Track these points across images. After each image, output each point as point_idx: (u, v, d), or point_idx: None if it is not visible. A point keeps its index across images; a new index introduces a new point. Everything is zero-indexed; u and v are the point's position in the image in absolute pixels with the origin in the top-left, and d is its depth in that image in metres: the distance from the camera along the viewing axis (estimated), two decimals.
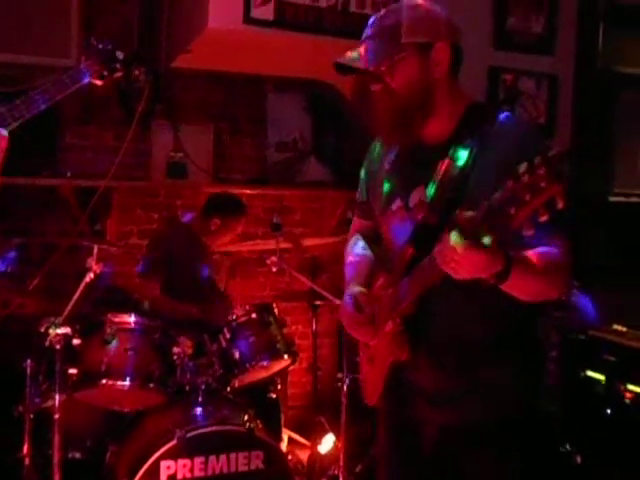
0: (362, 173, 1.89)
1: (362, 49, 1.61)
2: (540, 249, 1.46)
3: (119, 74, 1.82)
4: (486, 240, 1.27)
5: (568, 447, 3.22)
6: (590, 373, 3.27)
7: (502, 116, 1.63)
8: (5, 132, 1.56)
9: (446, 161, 1.57)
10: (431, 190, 1.58)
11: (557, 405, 3.42)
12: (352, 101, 4.17)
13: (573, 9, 4.00)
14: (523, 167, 1.17)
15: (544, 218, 1.17)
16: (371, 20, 1.64)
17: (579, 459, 3.20)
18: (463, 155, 1.55)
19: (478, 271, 1.35)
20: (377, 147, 1.83)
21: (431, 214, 1.57)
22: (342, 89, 4.15)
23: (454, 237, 1.29)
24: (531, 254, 1.45)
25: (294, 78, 4.26)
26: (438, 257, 1.37)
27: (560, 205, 1.15)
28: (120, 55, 1.96)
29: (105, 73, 1.70)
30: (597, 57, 4.03)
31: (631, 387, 3.01)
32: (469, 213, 1.29)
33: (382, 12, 1.64)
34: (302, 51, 3.52)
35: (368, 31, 1.62)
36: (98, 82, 1.71)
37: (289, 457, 2.78)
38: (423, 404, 1.68)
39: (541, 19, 3.94)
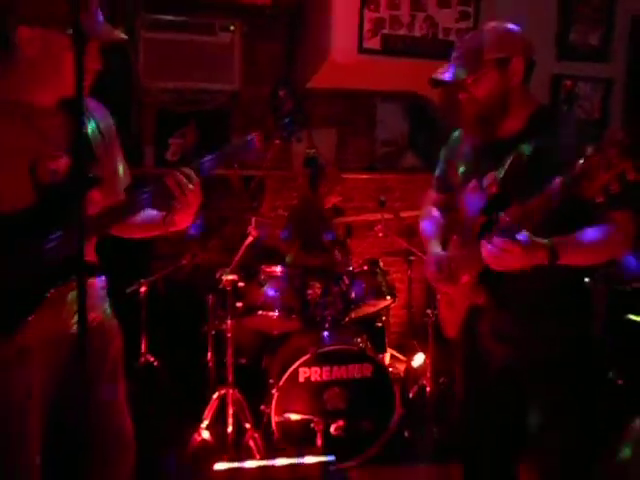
0: (442, 155, 1.80)
1: (452, 66, 1.52)
2: (592, 228, 1.38)
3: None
4: (521, 237, 1.24)
5: (612, 373, 3.06)
6: (631, 316, 3.07)
7: (561, 115, 1.55)
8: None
9: (515, 152, 1.49)
10: (501, 173, 1.51)
11: (604, 342, 3.24)
12: (441, 107, 4.05)
13: (626, 23, 3.63)
14: (590, 149, 1.11)
15: (615, 187, 1.11)
16: (458, 43, 1.56)
17: (620, 382, 3.05)
18: (529, 147, 1.47)
19: (522, 262, 1.30)
20: (455, 136, 1.75)
21: (500, 192, 1.50)
22: (432, 99, 4.04)
23: (493, 239, 1.29)
24: (580, 235, 1.37)
25: (396, 91, 4.17)
26: (487, 259, 1.35)
27: (631, 176, 1.09)
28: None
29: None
30: None
31: None
32: (506, 216, 1.27)
33: (467, 36, 1.57)
34: (402, 71, 3.44)
35: (456, 52, 1.54)
36: (277, 141, 1.49)
37: (390, 369, 2.78)
38: (491, 339, 1.60)
39: (598, 32, 3.61)
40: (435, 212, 1.87)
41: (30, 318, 1.34)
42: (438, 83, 1.55)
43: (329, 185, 3.48)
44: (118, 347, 1.60)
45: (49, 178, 1.37)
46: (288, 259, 3.28)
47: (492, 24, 1.53)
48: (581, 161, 1.13)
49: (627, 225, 1.39)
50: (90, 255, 1.54)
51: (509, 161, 1.50)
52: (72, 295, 1.41)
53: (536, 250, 1.31)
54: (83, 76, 1.07)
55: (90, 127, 1.48)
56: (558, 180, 1.21)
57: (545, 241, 1.33)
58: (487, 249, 1.34)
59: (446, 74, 1.52)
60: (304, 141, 4.07)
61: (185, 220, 1.47)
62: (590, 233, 1.39)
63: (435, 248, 1.75)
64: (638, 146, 1.11)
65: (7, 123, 1.34)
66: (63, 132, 1.41)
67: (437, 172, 1.84)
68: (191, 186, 1.39)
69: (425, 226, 1.86)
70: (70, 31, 1.10)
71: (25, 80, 1.36)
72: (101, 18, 1.35)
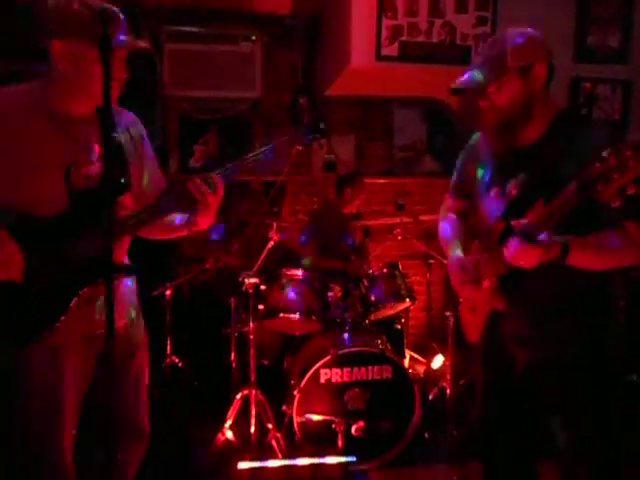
0: (460, 160, 1.76)
1: (473, 74, 1.47)
2: (605, 235, 1.34)
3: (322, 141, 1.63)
4: (542, 237, 1.26)
5: (635, 377, 2.97)
6: None
7: (581, 120, 1.51)
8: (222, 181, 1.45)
9: (537, 158, 1.46)
10: (524, 180, 1.48)
11: (624, 344, 3.15)
12: (459, 113, 4.01)
13: None
14: (607, 152, 1.07)
15: (632, 191, 1.07)
16: (480, 50, 1.52)
17: None
18: (551, 153, 1.43)
19: (540, 259, 1.32)
20: (473, 141, 1.70)
21: (520, 197, 1.47)
22: (450, 104, 4.01)
23: (514, 242, 1.31)
24: (592, 239, 1.34)
25: (413, 97, 4.16)
26: (508, 258, 1.37)
27: None
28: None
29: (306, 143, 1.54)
30: None
31: None
32: (525, 221, 1.28)
33: (488, 42, 1.50)
34: (420, 77, 3.41)
35: (478, 59, 1.48)
36: (299, 147, 1.55)
37: (410, 370, 2.76)
38: (512, 343, 1.58)
39: (617, 34, 3.54)
40: (453, 217, 1.84)
41: (62, 318, 1.37)
42: (459, 91, 1.50)
43: (354, 192, 3.50)
44: (144, 352, 1.66)
45: (82, 184, 1.42)
46: (306, 262, 3.27)
47: (514, 30, 1.46)
48: (597, 164, 1.10)
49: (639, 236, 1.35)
50: (122, 257, 1.59)
51: (530, 167, 1.46)
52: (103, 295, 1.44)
53: (553, 248, 1.31)
54: (110, 85, 1.11)
55: (122, 134, 1.52)
56: (574, 183, 1.19)
57: (561, 239, 1.33)
58: (509, 251, 1.34)
59: (467, 82, 1.47)
60: (324, 147, 4.09)
61: (206, 221, 1.51)
62: (603, 239, 1.36)
63: (457, 252, 1.72)
64: None
65: (45, 132, 1.39)
66: (97, 140, 1.45)
67: (454, 178, 1.80)
68: (211, 191, 1.42)
69: (444, 231, 1.83)
70: (98, 43, 1.13)
71: (61, 92, 1.41)
72: (126, 29, 1.38)
